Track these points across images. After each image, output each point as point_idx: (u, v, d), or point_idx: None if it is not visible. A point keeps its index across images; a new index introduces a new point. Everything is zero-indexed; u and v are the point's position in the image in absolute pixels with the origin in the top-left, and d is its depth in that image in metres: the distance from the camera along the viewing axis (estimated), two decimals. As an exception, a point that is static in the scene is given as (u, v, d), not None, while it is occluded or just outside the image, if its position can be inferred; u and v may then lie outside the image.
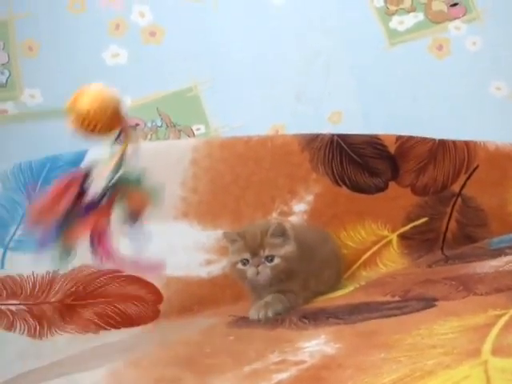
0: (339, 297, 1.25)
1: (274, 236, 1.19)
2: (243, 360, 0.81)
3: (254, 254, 1.17)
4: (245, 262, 1.18)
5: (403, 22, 1.77)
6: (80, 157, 1.54)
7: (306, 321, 1.00)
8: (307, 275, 1.23)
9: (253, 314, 1.14)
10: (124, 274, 1.44)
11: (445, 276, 1.17)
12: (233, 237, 1.21)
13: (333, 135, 1.62)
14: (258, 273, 1.16)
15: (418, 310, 0.93)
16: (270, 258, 1.17)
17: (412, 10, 1.77)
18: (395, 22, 1.77)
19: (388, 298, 1.08)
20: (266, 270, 1.16)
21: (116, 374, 0.90)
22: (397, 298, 1.06)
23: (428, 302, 0.96)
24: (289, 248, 1.19)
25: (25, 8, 1.68)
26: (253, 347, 0.87)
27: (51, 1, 1.70)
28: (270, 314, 1.12)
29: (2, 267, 1.39)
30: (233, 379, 0.72)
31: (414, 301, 1.00)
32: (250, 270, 1.17)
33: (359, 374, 0.64)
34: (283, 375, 0.69)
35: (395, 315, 0.92)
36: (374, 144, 1.63)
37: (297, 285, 1.20)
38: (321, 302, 1.20)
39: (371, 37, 1.76)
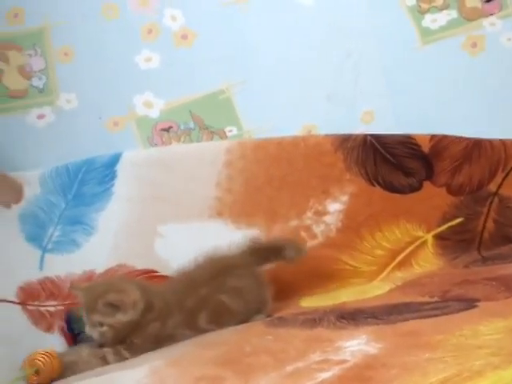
0: (375, 297, 1.24)
1: (106, 306, 1.12)
2: (284, 359, 0.81)
3: (87, 314, 1.13)
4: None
5: (436, 20, 1.75)
6: (115, 158, 1.57)
7: (345, 321, 0.99)
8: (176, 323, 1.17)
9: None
10: (159, 273, 1.45)
11: (484, 277, 1.15)
12: (77, 290, 1.20)
13: (366, 135, 1.61)
14: (92, 334, 1.13)
15: (458, 311, 0.92)
16: (99, 324, 1.12)
17: (445, 7, 1.75)
18: (428, 21, 1.75)
19: (426, 299, 1.07)
20: (94, 334, 1.13)
21: (158, 373, 0.90)
22: (436, 299, 1.05)
23: (469, 303, 0.95)
24: (122, 317, 1.12)
25: (60, 16, 1.71)
26: (293, 347, 0.86)
27: (85, 8, 1.72)
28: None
29: (41, 269, 1.41)
30: (276, 378, 0.72)
31: (454, 301, 0.99)
32: (87, 329, 1.14)
33: (405, 374, 0.63)
34: (326, 374, 0.69)
35: (436, 316, 0.90)
36: (407, 144, 1.61)
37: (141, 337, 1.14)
38: (356, 302, 1.20)
39: (403, 36, 1.74)
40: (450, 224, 1.57)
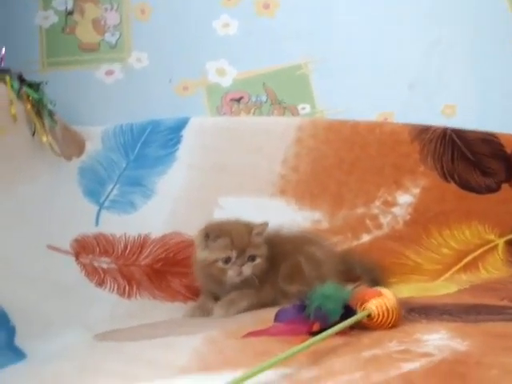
0: (443, 296, 1.17)
1: (258, 235, 1.16)
2: (358, 344, 0.75)
3: (240, 253, 1.12)
4: (227, 260, 1.13)
5: (536, 12, 1.64)
6: (182, 123, 1.53)
7: (416, 314, 0.92)
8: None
9: (217, 310, 1.11)
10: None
11: None
12: (217, 232, 1.14)
13: (446, 128, 1.53)
14: (240, 273, 1.12)
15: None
16: (252, 258, 1.13)
17: (549, 1, 1.63)
18: (526, 13, 1.64)
19: (506, 303, 0.99)
20: (247, 270, 1.12)
21: (216, 342, 0.86)
22: (519, 304, 0.97)
23: None
24: (265, 248, 1.16)
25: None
26: (364, 334, 0.80)
27: (168, -34, 1.68)
28: (232, 311, 1.10)
29: (97, 224, 1.38)
30: (353, 361, 0.67)
31: (541, 308, 0.91)
32: (232, 270, 1.12)
33: (508, 376, 0.56)
34: (412, 365, 0.63)
35: (525, 320, 0.83)
36: (489, 142, 1.52)
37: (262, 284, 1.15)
38: (424, 298, 1.12)
39: (498, 27, 1.64)
40: (525, 231, 1.47)
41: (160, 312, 1.23)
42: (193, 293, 1.33)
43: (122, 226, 1.40)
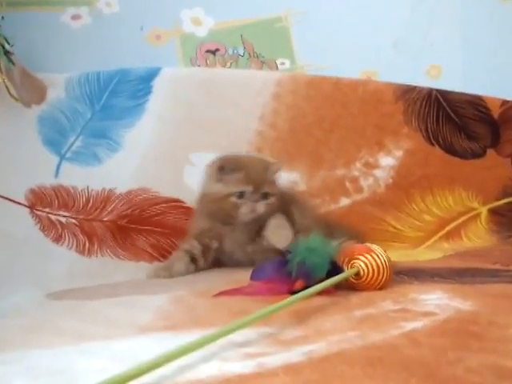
0: (430, 261, 1.10)
1: (273, 173, 1.09)
2: (347, 304, 0.67)
3: (256, 189, 1.05)
4: (240, 195, 1.05)
5: (526, -26, 1.57)
6: (153, 73, 1.42)
7: (405, 277, 0.85)
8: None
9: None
10: (184, 204, 1.30)
11: None
12: (233, 165, 1.06)
13: (432, 89, 1.46)
14: (253, 210, 1.05)
15: (551, 282, 0.77)
16: (266, 196, 1.06)
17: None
18: (516, -26, 1.57)
19: (499, 267, 0.92)
20: (261, 208, 1.05)
21: (184, 301, 0.76)
22: (513, 268, 0.90)
23: None
24: (278, 188, 1.10)
25: None
26: (353, 294, 0.72)
27: None
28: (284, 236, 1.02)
29: (57, 176, 1.27)
30: (344, 321, 0.58)
31: (539, 272, 0.85)
32: (246, 206, 1.05)
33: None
34: (415, 324, 0.55)
35: (525, 283, 0.76)
36: (476, 105, 1.45)
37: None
38: (410, 263, 1.05)
39: (486, -12, 1.56)
40: (509, 199, 1.41)
41: (123, 272, 1.13)
42: (159, 253, 1.24)
43: (84, 179, 1.29)
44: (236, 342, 0.54)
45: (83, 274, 1.09)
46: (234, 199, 1.05)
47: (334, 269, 0.74)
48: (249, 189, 1.04)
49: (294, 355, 0.48)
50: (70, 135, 1.34)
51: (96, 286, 0.99)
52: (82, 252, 1.18)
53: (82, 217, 1.24)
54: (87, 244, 1.20)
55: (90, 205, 1.26)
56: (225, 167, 1.06)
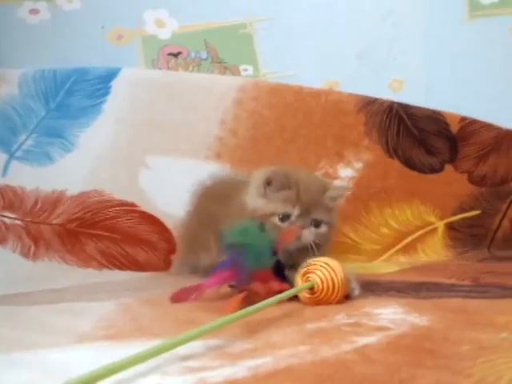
0: (387, 274, 1.09)
1: (332, 200, 0.92)
2: (299, 316, 0.64)
3: (304, 212, 0.88)
4: (285, 217, 0.88)
5: (488, -6, 1.59)
6: (112, 73, 1.37)
7: (361, 290, 0.82)
8: None
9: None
10: (138, 208, 1.26)
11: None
12: (282, 181, 0.90)
13: (393, 102, 1.45)
14: (298, 237, 0.87)
15: (505, 297, 0.77)
16: (316, 223, 0.89)
17: (502, -17, 1.59)
18: (480, -7, 1.59)
19: (455, 281, 0.92)
20: (308, 236, 0.87)
21: (129, 309, 0.73)
22: (468, 283, 0.89)
23: None
24: (334, 218, 0.94)
25: None
26: (305, 306, 0.70)
27: None
28: None
29: (4, 175, 1.21)
30: (294, 334, 0.56)
31: (494, 287, 0.85)
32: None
33: (484, 353, 0.47)
34: (368, 339, 0.53)
35: (479, 298, 0.76)
36: (435, 120, 1.46)
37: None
38: (366, 276, 1.04)
39: (451, 4, 1.58)
40: (465, 215, 1.42)
41: (69, 278, 1.09)
42: (108, 260, 1.20)
43: (34, 179, 1.24)
44: (180, 354, 0.51)
45: (27, 279, 1.04)
46: (276, 220, 0.89)
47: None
48: (295, 211, 0.88)
49: (239, 370, 0.45)
50: (22, 133, 1.30)
51: (39, 291, 0.95)
52: (26, 255, 1.13)
53: (29, 219, 1.19)
54: (33, 248, 1.15)
55: (38, 206, 1.21)
56: (272, 182, 0.90)
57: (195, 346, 0.53)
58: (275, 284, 0.71)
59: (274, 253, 0.73)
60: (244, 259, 0.70)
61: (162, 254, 1.26)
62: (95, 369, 0.40)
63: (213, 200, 1.06)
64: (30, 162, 1.26)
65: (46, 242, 1.16)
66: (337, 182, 1.35)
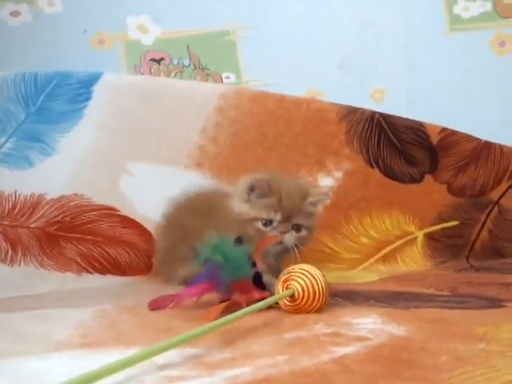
0: (366, 283, 1.09)
1: (312, 205, 0.98)
2: (278, 325, 0.64)
3: (286, 218, 0.94)
4: (267, 223, 0.94)
5: (469, 8, 1.62)
6: (94, 78, 1.36)
7: (340, 299, 0.83)
8: None
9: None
10: (119, 212, 1.26)
11: (494, 281, 1.02)
12: (264, 188, 0.95)
13: (375, 112, 1.46)
14: (280, 241, 0.93)
15: (483, 308, 0.77)
16: (297, 228, 0.95)
17: (481, -3, 1.62)
18: (460, 8, 1.62)
19: (433, 291, 0.92)
20: (290, 240, 0.93)
21: (107, 316, 0.72)
22: (446, 293, 0.90)
23: (493, 302, 0.82)
24: (314, 222, 1.00)
25: None
26: (285, 314, 0.70)
27: None
28: None
29: (-18, 178, 1.20)
30: (273, 344, 0.55)
31: (472, 298, 0.86)
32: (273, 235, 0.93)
33: (462, 364, 0.47)
34: (347, 350, 0.53)
35: (458, 308, 0.77)
36: (416, 130, 1.47)
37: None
38: (345, 285, 1.04)
39: (431, 17, 1.61)
40: (444, 225, 1.44)
41: (48, 284, 1.07)
42: (88, 263, 1.18)
43: (12, 182, 1.23)
44: (157, 363, 0.50)
45: (3, 285, 1.03)
46: (259, 225, 0.94)
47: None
48: (277, 217, 0.93)
49: (217, 380, 0.45)
50: (0, 136, 1.28)
51: (16, 297, 0.93)
52: (3, 260, 1.11)
53: (6, 223, 1.17)
54: (10, 252, 1.13)
55: (16, 210, 1.19)
56: (255, 188, 0.95)
57: (173, 354, 0.52)
58: (256, 293, 0.72)
59: (253, 264, 0.73)
60: (222, 272, 0.70)
61: (144, 254, 1.25)
62: (69, 379, 0.39)
63: (193, 213, 1.06)
64: (8, 166, 1.25)
65: (23, 246, 1.15)
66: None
